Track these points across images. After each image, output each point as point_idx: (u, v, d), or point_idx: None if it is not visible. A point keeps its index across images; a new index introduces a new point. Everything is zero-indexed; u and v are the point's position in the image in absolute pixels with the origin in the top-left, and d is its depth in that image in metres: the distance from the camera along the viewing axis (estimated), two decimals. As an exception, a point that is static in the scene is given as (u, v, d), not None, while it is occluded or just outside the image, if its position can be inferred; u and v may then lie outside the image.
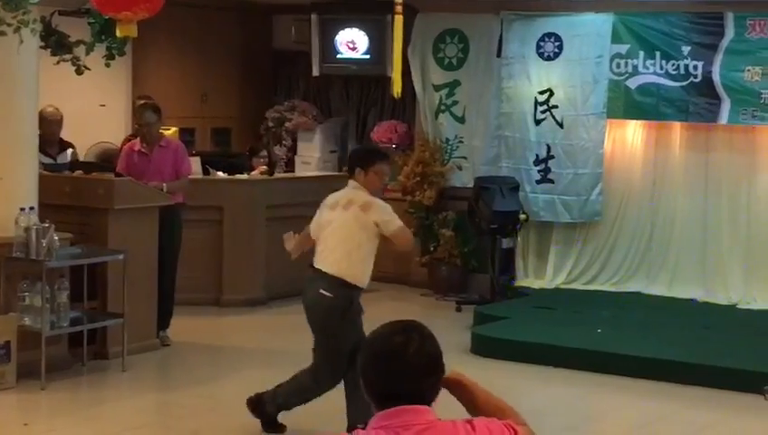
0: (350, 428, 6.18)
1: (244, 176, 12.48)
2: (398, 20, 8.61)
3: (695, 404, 8.62)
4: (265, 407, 7.58)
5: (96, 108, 13.18)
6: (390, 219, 7.21)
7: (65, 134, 10.88)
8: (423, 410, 3.09)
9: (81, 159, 11.78)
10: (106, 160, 11.62)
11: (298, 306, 11.90)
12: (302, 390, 7.47)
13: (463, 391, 3.35)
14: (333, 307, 7.15)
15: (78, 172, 10.15)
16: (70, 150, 10.80)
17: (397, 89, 8.98)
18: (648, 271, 12.40)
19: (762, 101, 11.47)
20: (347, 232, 7.21)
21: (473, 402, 3.36)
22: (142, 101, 11.02)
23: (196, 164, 11.77)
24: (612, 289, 12.42)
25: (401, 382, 3.09)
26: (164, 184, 9.88)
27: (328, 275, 7.17)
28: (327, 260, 7.24)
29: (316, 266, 7.31)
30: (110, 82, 13.12)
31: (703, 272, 12.06)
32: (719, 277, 11.96)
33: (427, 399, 3.12)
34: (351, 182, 7.39)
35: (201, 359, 9.90)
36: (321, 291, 7.18)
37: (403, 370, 3.09)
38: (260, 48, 14.96)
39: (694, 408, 8.58)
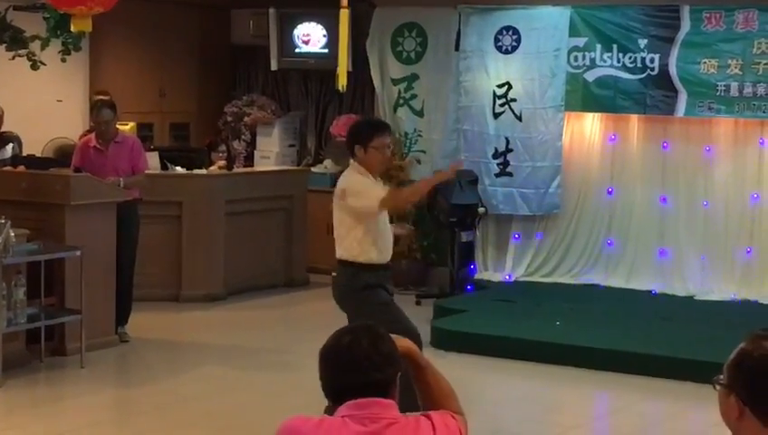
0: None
1: (203, 171, 12.46)
2: (344, 14, 8.60)
3: (652, 395, 8.67)
4: None
5: (53, 103, 13.10)
6: (355, 200, 7.06)
7: (22, 130, 10.82)
8: (389, 405, 3.18)
9: (39, 154, 11.75)
10: (63, 156, 11.58)
11: (257, 301, 12.09)
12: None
13: (415, 367, 3.42)
14: (341, 284, 7.17)
15: (20, 167, 10.09)
16: (10, 145, 10.72)
17: (342, 81, 8.97)
18: (606, 263, 12.46)
19: (718, 94, 11.54)
20: (338, 220, 7.21)
21: (422, 379, 3.46)
22: (98, 98, 10.96)
23: (154, 159, 11.73)
24: (571, 281, 12.47)
25: (349, 376, 3.16)
26: (121, 179, 9.83)
27: (337, 260, 7.24)
28: (336, 247, 7.27)
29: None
30: (68, 78, 13.05)
31: (661, 264, 12.13)
32: (677, 269, 12.03)
33: (390, 394, 3.18)
34: (351, 162, 7.22)
35: (160, 355, 9.88)
36: (333, 274, 7.35)
37: (350, 364, 3.17)
38: (218, 43, 14.92)
39: (651, 399, 8.63)
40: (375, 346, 3.20)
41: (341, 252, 7.16)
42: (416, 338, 7.22)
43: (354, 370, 3.17)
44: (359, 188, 7.08)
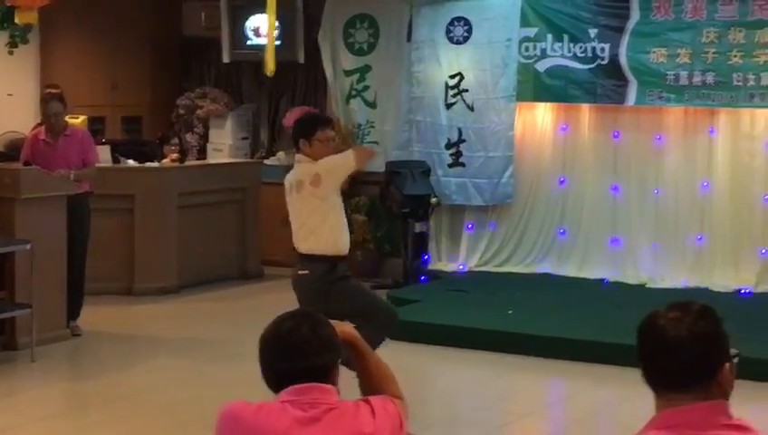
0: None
1: (155, 164, 12.41)
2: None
3: (604, 382, 8.72)
4: None
5: (3, 97, 13.00)
6: (335, 163, 7.19)
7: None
8: (328, 389, 3.19)
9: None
10: (14, 150, 11.48)
11: (211, 293, 12.07)
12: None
13: (355, 353, 3.44)
14: (312, 280, 7.12)
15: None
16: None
17: (270, 67, 8.96)
18: (559, 252, 12.52)
19: (667, 83, 11.62)
20: (307, 212, 7.21)
21: (363, 364, 3.49)
22: (47, 91, 10.90)
23: (105, 153, 11.68)
24: (525, 271, 12.52)
25: (289, 362, 3.17)
26: (71, 172, 9.78)
27: (303, 256, 7.23)
28: (298, 241, 7.29)
29: (296, 249, 7.36)
30: (18, 71, 12.97)
31: (613, 252, 12.20)
32: (629, 257, 12.11)
33: (330, 379, 3.19)
34: (298, 156, 7.29)
35: (113, 348, 9.84)
36: (299, 271, 7.24)
37: (290, 350, 3.18)
38: (170, 35, 14.86)
39: (603, 385, 8.67)
40: (315, 332, 3.21)
41: (316, 245, 7.15)
42: (394, 314, 7.43)
43: (294, 356, 3.18)
44: (328, 162, 7.16)
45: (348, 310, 7.05)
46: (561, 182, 12.49)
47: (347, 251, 7.33)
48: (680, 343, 2.80)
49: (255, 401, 3.20)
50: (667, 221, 11.98)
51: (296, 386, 3.16)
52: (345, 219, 7.39)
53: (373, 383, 3.47)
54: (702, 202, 11.86)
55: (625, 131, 12.19)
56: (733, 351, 2.90)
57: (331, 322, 3.35)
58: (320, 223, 7.17)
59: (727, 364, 2.85)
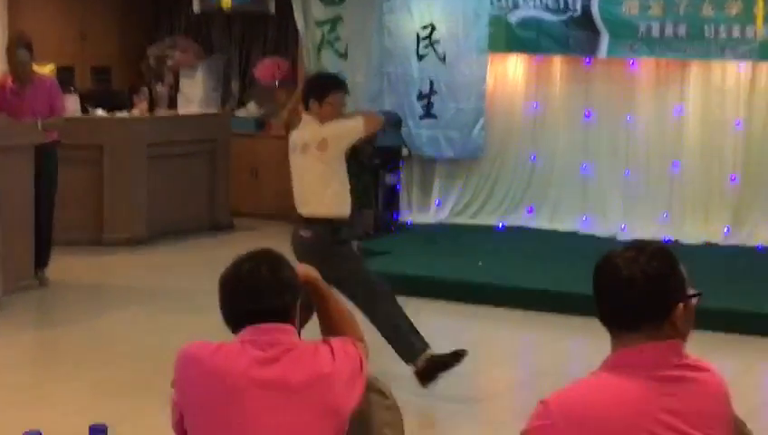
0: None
1: (125, 114, 12.32)
2: None
3: (572, 333, 8.72)
4: (426, 368, 7.08)
5: (-30, 46, 12.86)
6: (344, 129, 7.10)
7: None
8: (288, 330, 3.19)
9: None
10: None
11: (181, 244, 12.01)
12: (392, 322, 7.09)
13: (317, 296, 3.42)
14: (316, 242, 7.01)
15: None
16: None
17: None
18: (530, 204, 12.51)
19: (639, 35, 11.59)
20: (311, 176, 7.11)
21: (324, 307, 3.49)
22: (15, 39, 10.77)
23: (73, 102, 11.59)
24: (496, 223, 12.52)
25: (249, 302, 3.17)
26: (39, 121, 9.69)
27: (306, 218, 7.13)
28: (301, 204, 7.20)
29: (298, 211, 7.26)
30: (-15, 21, 12.85)
31: (584, 204, 12.20)
32: (599, 210, 12.12)
33: (290, 319, 3.18)
34: (305, 117, 7.18)
35: (81, 297, 9.79)
36: (300, 233, 7.13)
37: (249, 291, 3.18)
38: (140, -16, 14.72)
39: (573, 336, 8.68)
40: (274, 273, 3.20)
41: (320, 209, 7.07)
42: (388, 288, 7.23)
43: (254, 296, 3.17)
44: (337, 127, 7.07)
45: (350, 274, 7.04)
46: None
47: (348, 214, 7.23)
48: (633, 282, 2.81)
49: (213, 342, 3.18)
50: (637, 174, 12.02)
51: (255, 326, 3.15)
52: (348, 184, 7.27)
53: (334, 326, 3.46)
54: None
55: (597, 83, 12.17)
56: (691, 291, 2.90)
57: (291, 263, 3.33)
58: (323, 187, 7.08)
59: (681, 304, 2.85)
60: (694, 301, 2.90)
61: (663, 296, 2.83)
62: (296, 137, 7.21)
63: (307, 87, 7.33)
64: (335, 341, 3.28)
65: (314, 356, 3.17)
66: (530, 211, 12.48)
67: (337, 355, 3.21)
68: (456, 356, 6.99)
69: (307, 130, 7.14)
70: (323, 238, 7.04)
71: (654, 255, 2.86)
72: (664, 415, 2.74)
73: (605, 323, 2.90)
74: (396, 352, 7.09)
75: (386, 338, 7.07)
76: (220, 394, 3.07)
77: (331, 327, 3.45)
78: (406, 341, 7.08)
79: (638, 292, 2.82)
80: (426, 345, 7.09)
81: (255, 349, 3.12)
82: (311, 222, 7.09)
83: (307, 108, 7.14)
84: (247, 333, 3.16)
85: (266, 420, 3.06)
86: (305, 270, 3.41)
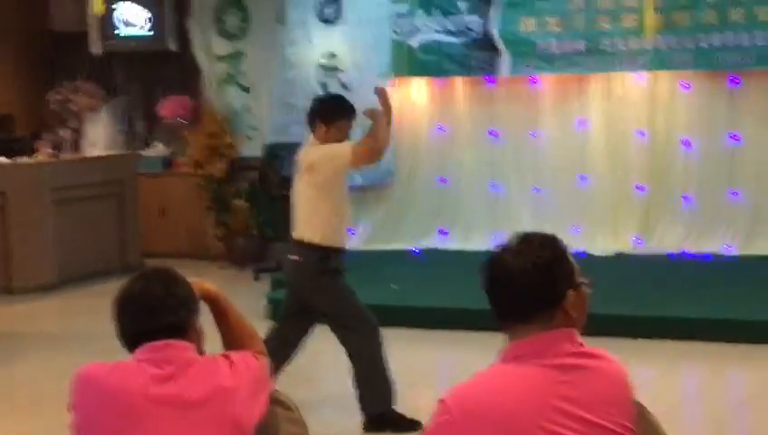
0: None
1: (28, 159, 12.15)
2: None
3: (484, 351, 8.70)
4: (380, 416, 6.97)
5: None
6: (330, 154, 6.83)
7: None
8: (184, 346, 3.15)
9: None
10: None
11: (92, 288, 11.83)
12: (367, 366, 6.98)
13: (216, 310, 3.38)
14: (304, 267, 6.89)
15: None
16: None
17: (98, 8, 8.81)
18: (442, 226, 12.54)
19: (539, 52, 11.70)
20: (304, 199, 6.94)
21: (224, 322, 3.44)
22: None
23: (-26, 151, 11.42)
24: (409, 247, 12.52)
25: (143, 321, 3.12)
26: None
27: (295, 241, 6.96)
28: (295, 227, 7.02)
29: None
30: None
31: (494, 224, 12.24)
32: (510, 228, 12.11)
33: (187, 335, 3.14)
34: (311, 138, 7.02)
35: (-9, 346, 9.62)
36: (290, 257, 7.01)
37: (144, 309, 3.15)
38: (37, 29, 14.52)
39: (492, 352, 8.67)
40: (168, 289, 3.17)
41: (308, 233, 6.88)
42: (376, 327, 7.04)
43: (148, 314, 3.14)
44: (325, 151, 6.87)
45: (332, 310, 6.97)
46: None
47: (342, 244, 7.02)
48: (521, 274, 2.82)
49: (110, 362, 3.13)
50: (545, 189, 12.11)
51: (151, 344, 3.11)
52: (344, 211, 7.06)
53: (236, 341, 3.42)
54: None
55: (500, 103, 12.27)
56: (582, 279, 2.91)
57: (189, 279, 3.29)
58: (311, 212, 6.89)
59: (571, 291, 2.86)
60: (585, 289, 2.90)
61: (553, 285, 2.84)
62: (299, 157, 7.06)
63: (317, 108, 7.11)
64: (235, 354, 3.24)
65: (213, 371, 3.12)
66: (443, 233, 12.50)
67: (237, 369, 3.16)
68: (413, 424, 6.72)
69: (305, 152, 7.01)
70: (310, 264, 6.88)
71: (541, 245, 2.87)
72: (560, 402, 2.74)
73: (498, 318, 2.89)
74: (360, 395, 6.96)
75: (357, 379, 6.97)
76: (117, 413, 3.02)
77: (231, 341, 3.41)
78: (378, 389, 6.97)
79: (528, 283, 2.82)
80: (391, 402, 6.98)
81: (152, 367, 3.07)
82: (298, 246, 6.93)
83: (312, 130, 6.99)
84: (143, 351, 3.11)
85: (165, 437, 3.01)
86: (202, 285, 3.36)
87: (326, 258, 6.91)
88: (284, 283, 7.34)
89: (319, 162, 6.87)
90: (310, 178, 6.90)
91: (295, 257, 6.97)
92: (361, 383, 6.96)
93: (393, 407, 6.97)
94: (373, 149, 6.95)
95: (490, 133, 12.31)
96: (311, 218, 6.91)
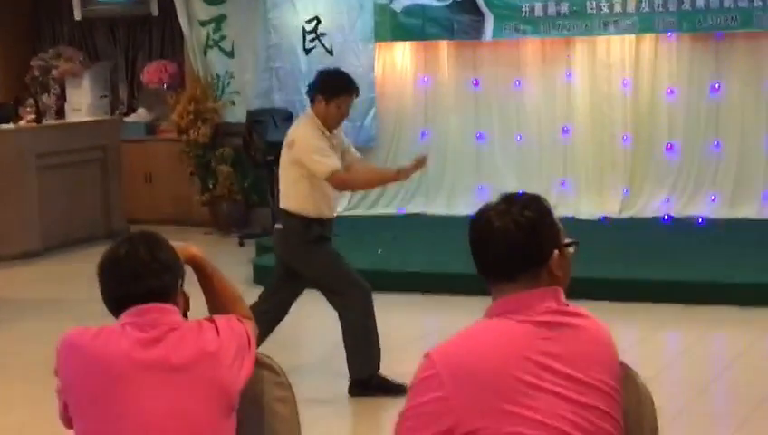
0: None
1: (10, 126, 12.09)
2: None
3: (474, 313, 8.74)
4: (367, 380, 6.97)
5: None
6: (305, 157, 6.77)
7: None
8: (169, 310, 3.14)
9: None
10: None
11: (76, 254, 11.80)
12: (355, 330, 6.96)
13: (201, 274, 3.37)
14: (287, 235, 6.91)
15: None
16: None
17: None
18: (426, 192, 12.55)
19: (523, 15, 11.69)
20: (284, 171, 6.97)
21: (209, 286, 3.43)
22: None
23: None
24: (393, 212, 12.53)
25: (127, 285, 3.12)
26: None
27: (280, 210, 7.06)
28: (280, 196, 7.08)
29: None
30: None
31: (479, 188, 12.25)
32: (494, 192, 12.08)
33: (172, 299, 3.13)
34: (307, 112, 7.02)
35: (-25, 313, 9.60)
36: (276, 225, 7.13)
37: (127, 273, 3.15)
38: (18, -5, 14.46)
39: (472, 316, 8.69)
40: (152, 253, 3.16)
41: (289, 203, 6.91)
42: (367, 291, 7.02)
43: (132, 278, 3.13)
44: (318, 145, 6.78)
45: (318, 276, 6.98)
46: (424, 126, 12.50)
47: (325, 215, 6.98)
48: (505, 233, 2.83)
49: (93, 327, 3.11)
50: (530, 153, 12.16)
51: (135, 308, 3.10)
52: (327, 190, 6.92)
53: (220, 304, 3.41)
54: (564, 133, 12.00)
55: (484, 67, 12.24)
56: (568, 239, 2.92)
57: (174, 244, 3.28)
58: (292, 186, 6.89)
59: (556, 251, 2.87)
60: (570, 249, 2.92)
61: (537, 245, 2.85)
62: (289, 131, 7.06)
63: (318, 82, 7.02)
64: (220, 318, 3.24)
65: (198, 334, 3.12)
66: (426, 196, 12.50)
67: (222, 332, 3.16)
68: (399, 389, 6.59)
69: (294, 127, 7.02)
70: (293, 232, 6.90)
71: (525, 205, 2.88)
72: (543, 357, 2.76)
73: (483, 276, 2.91)
74: (349, 360, 6.98)
75: (345, 343, 6.98)
76: (102, 378, 3.01)
77: (217, 305, 3.40)
78: (366, 354, 6.98)
79: (512, 242, 2.83)
80: (377, 367, 6.99)
81: (137, 331, 3.06)
82: (282, 214, 7.00)
83: (312, 101, 6.95)
84: (128, 315, 3.10)
85: (150, 401, 3.01)
86: (187, 249, 3.35)
87: (308, 226, 6.93)
88: (273, 250, 7.27)
89: (299, 150, 6.83)
90: (290, 153, 6.89)
91: (279, 226, 7.05)
92: (349, 347, 6.99)
93: (378, 371, 6.97)
94: (348, 186, 7.27)
95: (473, 84, 12.27)
96: (291, 191, 6.94)
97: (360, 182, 7.60)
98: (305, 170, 6.83)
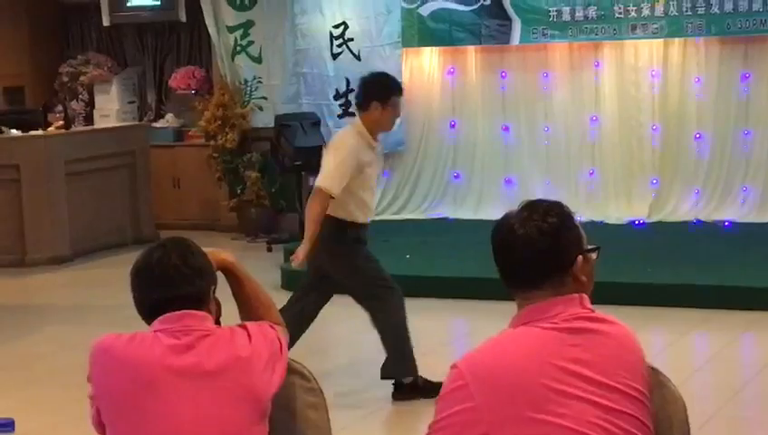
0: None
1: (40, 132, 12.16)
2: None
3: (503, 318, 8.73)
4: (412, 383, 6.97)
5: None
6: (326, 164, 6.81)
7: None
8: (202, 316, 3.15)
9: None
10: None
11: (106, 260, 11.85)
12: (393, 332, 6.96)
13: (233, 280, 3.37)
14: (321, 238, 6.77)
15: None
16: None
17: None
18: (454, 196, 12.56)
19: (551, 19, 11.68)
20: None
21: (241, 292, 3.42)
22: None
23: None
24: (421, 217, 12.54)
25: (160, 290, 3.13)
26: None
27: None
28: None
29: None
30: None
31: (507, 192, 12.25)
32: (523, 196, 12.08)
33: (205, 305, 3.14)
34: (355, 120, 7.00)
35: (5, 318, 9.61)
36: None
37: (160, 279, 3.14)
38: (47, 2, 14.51)
39: (501, 321, 8.68)
40: (185, 259, 3.16)
41: (331, 209, 6.83)
42: (400, 294, 7.01)
43: (165, 284, 3.13)
44: (345, 160, 6.75)
45: (352, 279, 6.94)
46: (452, 126, 12.50)
47: (359, 219, 6.93)
48: (528, 241, 2.83)
49: (127, 333, 3.13)
50: (558, 156, 12.10)
51: (168, 314, 3.11)
52: (362, 197, 6.89)
53: (252, 311, 3.41)
54: (592, 137, 11.96)
55: (511, 71, 12.23)
56: (590, 246, 2.92)
57: (206, 249, 3.29)
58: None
59: (580, 257, 2.86)
60: (593, 255, 2.92)
61: (561, 251, 2.85)
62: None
63: (372, 88, 6.94)
64: (252, 325, 3.24)
65: (230, 341, 3.12)
66: (456, 177, 12.49)
67: (254, 339, 3.16)
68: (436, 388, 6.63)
69: (337, 134, 7.06)
70: (328, 235, 6.82)
71: (547, 211, 2.88)
72: (570, 364, 2.75)
73: (508, 285, 2.91)
74: (388, 362, 6.93)
75: (385, 347, 6.95)
76: (135, 384, 3.02)
77: (248, 312, 3.40)
78: (407, 354, 6.95)
79: (536, 249, 2.84)
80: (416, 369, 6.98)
81: (170, 337, 3.07)
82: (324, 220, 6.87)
83: (366, 109, 6.86)
84: (161, 321, 3.11)
85: (184, 407, 3.01)
86: (218, 255, 3.36)
87: (343, 230, 6.91)
88: None
89: (329, 150, 6.94)
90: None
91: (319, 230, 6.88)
92: (391, 349, 6.95)
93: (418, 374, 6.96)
94: (308, 210, 6.82)
95: (502, 86, 12.26)
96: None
97: (311, 218, 6.88)
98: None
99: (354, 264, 6.99)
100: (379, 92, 6.87)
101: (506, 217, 2.92)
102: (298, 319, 6.86)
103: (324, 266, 7.04)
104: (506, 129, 12.26)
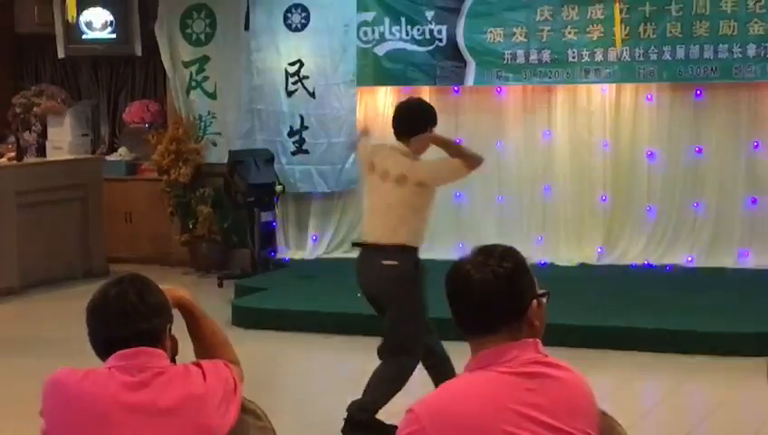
0: None
1: (-9, 162, 12.10)
2: None
3: (459, 357, 8.74)
4: (364, 423, 6.82)
5: None
6: (438, 175, 6.93)
7: None
8: (157, 354, 3.14)
9: None
10: None
11: (54, 293, 11.77)
12: (388, 387, 6.79)
13: (189, 317, 3.38)
14: (402, 274, 6.69)
15: None
16: None
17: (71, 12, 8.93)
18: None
19: (505, 62, 11.76)
20: (405, 205, 6.73)
21: (197, 330, 3.45)
22: None
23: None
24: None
25: (116, 327, 3.12)
26: None
27: (387, 246, 6.71)
28: (381, 231, 6.77)
29: (369, 242, 6.86)
30: None
31: (458, 232, 12.27)
32: (473, 236, 12.16)
33: (160, 343, 3.14)
34: (398, 145, 6.93)
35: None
36: (384, 262, 6.71)
37: (116, 316, 3.14)
38: (2, 32, 14.45)
39: (458, 359, 8.70)
40: (141, 297, 3.16)
41: (404, 237, 6.69)
42: (418, 354, 6.81)
43: (121, 321, 3.13)
44: (432, 171, 6.88)
45: (403, 319, 6.79)
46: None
47: (423, 244, 6.93)
48: (486, 285, 2.85)
49: (81, 369, 3.12)
50: (509, 199, 12.18)
51: (123, 351, 3.11)
52: (428, 217, 6.98)
53: (208, 349, 3.42)
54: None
55: (466, 113, 12.30)
56: (541, 290, 2.95)
57: (163, 287, 3.29)
58: (411, 215, 6.74)
59: (534, 301, 2.90)
60: (544, 299, 2.95)
61: (517, 296, 2.88)
62: (389, 164, 6.85)
63: (426, 115, 7.02)
64: (207, 363, 3.25)
65: (185, 379, 3.13)
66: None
67: (209, 377, 3.17)
68: (388, 431, 6.45)
69: (401, 162, 6.82)
70: (408, 270, 6.73)
71: (503, 256, 2.91)
72: (525, 408, 2.78)
73: (463, 330, 2.92)
74: (368, 390, 6.84)
75: (369, 390, 6.83)
76: (88, 420, 3.02)
77: (204, 349, 3.41)
78: (382, 399, 6.81)
79: (492, 294, 2.86)
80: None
81: (124, 374, 3.07)
82: (395, 250, 6.71)
83: (411, 135, 6.87)
84: (115, 358, 3.11)
85: (136, 445, 3.01)
86: (176, 292, 3.36)
87: (417, 263, 6.82)
88: (365, 291, 7.05)
89: (430, 181, 6.86)
90: (418, 190, 6.75)
91: (392, 262, 6.71)
92: (369, 396, 6.81)
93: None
94: (475, 158, 6.94)
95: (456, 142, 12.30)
96: (407, 223, 6.73)
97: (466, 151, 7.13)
98: (426, 197, 6.82)
99: (416, 308, 6.82)
100: (433, 118, 7.02)
101: (461, 262, 2.94)
102: (437, 361, 6.83)
103: (391, 300, 6.84)
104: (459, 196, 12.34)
